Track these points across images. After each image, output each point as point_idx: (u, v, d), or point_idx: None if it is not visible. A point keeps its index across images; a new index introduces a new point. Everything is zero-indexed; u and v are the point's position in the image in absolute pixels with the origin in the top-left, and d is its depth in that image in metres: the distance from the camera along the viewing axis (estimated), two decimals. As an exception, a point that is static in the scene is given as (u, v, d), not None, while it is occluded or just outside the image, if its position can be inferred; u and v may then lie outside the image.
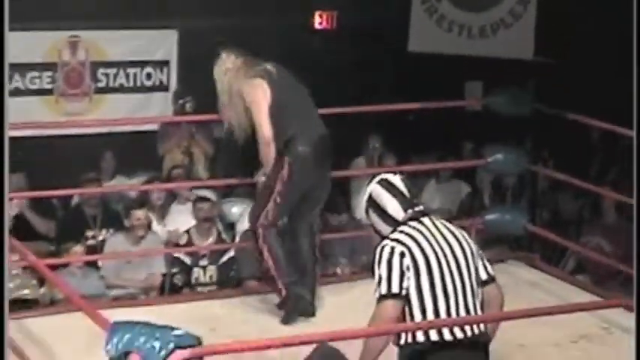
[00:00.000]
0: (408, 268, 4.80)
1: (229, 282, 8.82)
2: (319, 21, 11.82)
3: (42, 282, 8.52)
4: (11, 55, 10.79)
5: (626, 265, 8.25)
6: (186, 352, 4.23)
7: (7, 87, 3.37)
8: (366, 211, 5.15)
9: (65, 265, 8.77)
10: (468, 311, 4.86)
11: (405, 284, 4.79)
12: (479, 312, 4.93)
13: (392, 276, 4.80)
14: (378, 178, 5.15)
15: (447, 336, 4.79)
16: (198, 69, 10.89)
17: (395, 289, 4.79)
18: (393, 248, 4.84)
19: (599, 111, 7.95)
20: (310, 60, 11.08)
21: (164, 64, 11.43)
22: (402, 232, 4.91)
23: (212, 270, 8.86)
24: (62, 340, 6.51)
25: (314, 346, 5.35)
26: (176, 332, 4.31)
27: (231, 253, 8.93)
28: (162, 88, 11.38)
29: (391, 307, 4.81)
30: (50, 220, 9.89)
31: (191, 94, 10.68)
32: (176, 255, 8.98)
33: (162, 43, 11.42)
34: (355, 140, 10.52)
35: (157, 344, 4.21)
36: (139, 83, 11.38)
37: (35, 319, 7.14)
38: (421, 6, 12.07)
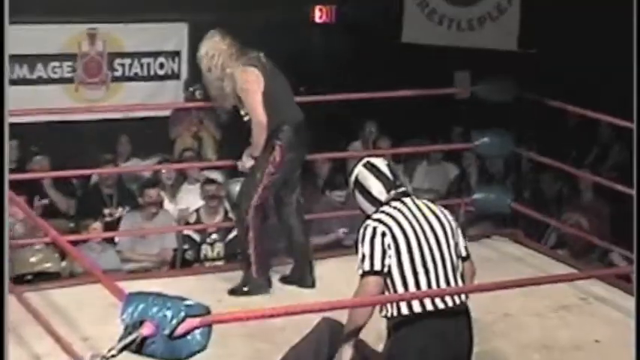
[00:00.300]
0: (389, 247, 4.79)
1: (235, 257, 8.81)
2: (319, 15, 11.81)
3: (63, 256, 8.52)
4: (34, 47, 10.88)
5: (602, 240, 8.27)
6: (196, 321, 4.23)
7: (7, 87, 3.28)
8: (353, 192, 5.14)
9: (84, 241, 8.77)
10: (448, 284, 4.86)
11: (386, 262, 4.79)
12: (460, 284, 4.93)
13: (374, 254, 4.79)
14: (363, 161, 5.13)
15: (429, 306, 4.79)
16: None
17: (377, 266, 4.79)
18: (375, 228, 4.82)
19: (579, 98, 7.94)
20: (311, 51, 11.07)
21: (175, 54, 11.42)
22: (383, 212, 4.89)
23: (219, 246, 8.86)
24: (82, 309, 6.54)
25: (315, 315, 5.34)
26: (186, 302, 4.31)
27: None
28: (174, 76, 11.38)
29: (373, 282, 4.81)
30: (70, 198, 9.88)
31: (200, 83, 10.65)
32: (186, 232, 8.98)
33: (173, 35, 11.40)
34: (352, 125, 10.52)
35: (168, 313, 4.21)
36: (152, 72, 11.37)
37: (57, 290, 7.16)
38: (413, 1, 12.05)
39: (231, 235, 8.84)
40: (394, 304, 4.83)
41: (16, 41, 10.68)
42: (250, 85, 6.65)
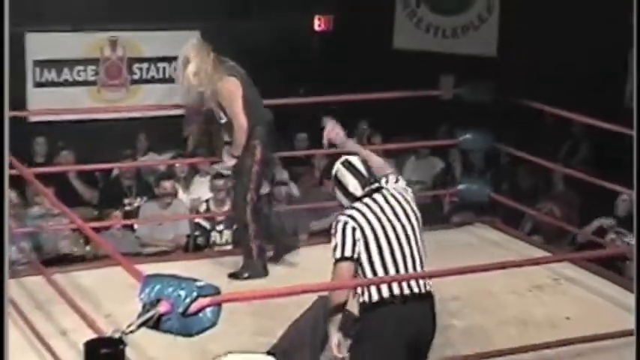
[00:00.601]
0: (358, 240, 4.81)
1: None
2: (318, 23, 11.80)
3: (87, 241, 8.52)
4: (61, 53, 10.85)
5: (572, 227, 8.28)
6: (207, 300, 4.23)
7: (7, 88, 3.24)
8: (332, 188, 5.15)
9: (107, 228, 8.78)
10: (415, 270, 4.86)
11: (356, 249, 4.81)
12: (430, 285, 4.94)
13: (345, 243, 4.81)
14: (341, 160, 5.13)
15: (396, 291, 4.80)
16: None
17: (348, 253, 4.81)
18: (346, 222, 4.84)
19: (554, 99, 7.95)
20: (311, 56, 11.06)
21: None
22: (355, 208, 4.91)
23: (227, 234, 8.85)
24: (104, 289, 6.54)
25: (313, 294, 5.36)
26: (198, 283, 4.31)
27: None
28: (187, 79, 11.36)
29: (346, 268, 4.83)
30: (93, 189, 9.89)
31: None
32: (197, 220, 8.99)
33: (186, 42, 11.37)
34: (347, 123, 10.50)
35: (182, 293, 4.21)
36: (167, 75, 11.36)
37: (82, 272, 7.16)
38: (403, 11, 12.06)
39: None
40: (366, 292, 4.84)
41: (45, 48, 10.72)
42: (233, 94, 6.76)
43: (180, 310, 4.18)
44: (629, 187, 7.70)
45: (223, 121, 6.88)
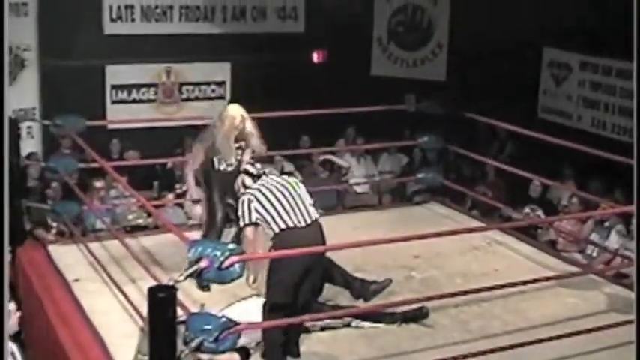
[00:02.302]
0: (256, 209, 4.94)
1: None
2: (316, 56, 11.73)
3: (149, 215, 8.54)
4: (131, 79, 10.85)
5: (500, 204, 8.29)
6: (236, 257, 4.26)
7: (7, 89, 2.81)
8: (242, 180, 5.26)
9: (163, 205, 8.79)
10: (305, 222, 4.93)
11: (257, 216, 4.92)
12: (315, 218, 4.99)
13: (249, 212, 4.94)
14: (246, 165, 5.39)
15: (291, 225, 4.90)
16: (241, 87, 10.89)
17: (251, 219, 4.93)
18: (249, 197, 4.98)
19: (487, 111, 7.97)
20: (311, 82, 11.07)
21: (222, 83, 11.39)
22: (254, 188, 5.06)
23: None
24: (161, 250, 6.56)
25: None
26: (230, 246, 4.35)
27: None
28: (221, 97, 11.34)
29: (250, 230, 4.96)
30: (155, 178, 9.88)
31: (237, 101, 10.69)
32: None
33: (220, 70, 11.37)
34: (338, 129, 10.52)
35: (218, 252, 4.24)
36: (206, 95, 11.35)
37: (146, 237, 7.19)
38: (378, 47, 12.06)
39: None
40: (271, 228, 4.91)
41: (119, 76, 10.72)
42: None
43: (217, 265, 4.20)
44: (539, 175, 7.76)
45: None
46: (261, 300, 5.01)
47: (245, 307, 5.10)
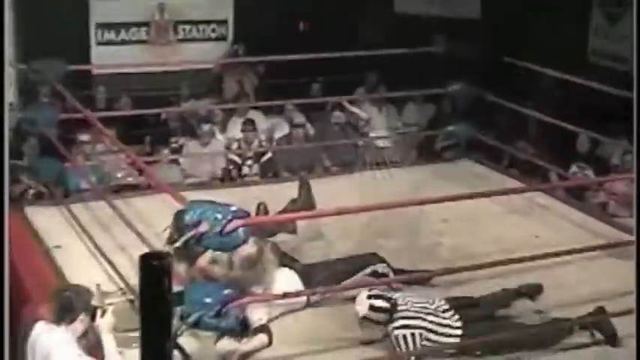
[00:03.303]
0: None
1: (267, 175, 8.85)
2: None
3: (141, 173, 8.53)
4: (119, 16, 10.84)
5: (542, 162, 8.26)
6: (240, 222, 4.27)
7: (7, 87, 3.05)
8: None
9: (156, 162, 8.80)
10: None
11: None
12: None
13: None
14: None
15: None
16: (246, 26, 10.85)
17: None
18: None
19: (528, 54, 7.91)
20: (326, 21, 10.98)
21: (224, 22, 11.33)
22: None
23: (255, 168, 8.84)
24: (154, 212, 6.53)
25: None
26: (232, 208, 4.34)
27: (269, 155, 8.93)
28: (223, 38, 11.30)
29: None
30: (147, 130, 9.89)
31: (242, 42, 10.70)
32: (230, 156, 8.98)
33: (222, 7, 11.31)
34: (357, 75, 10.46)
35: (219, 215, 4.24)
36: (206, 35, 11.31)
37: (137, 198, 7.21)
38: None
39: (264, 158, 8.84)
40: None
41: (105, 13, 10.68)
42: None
43: (218, 229, 4.21)
44: (589, 129, 7.72)
45: None
46: (288, 271, 5.09)
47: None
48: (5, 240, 3.02)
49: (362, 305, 4.85)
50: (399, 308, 4.90)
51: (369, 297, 4.87)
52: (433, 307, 4.97)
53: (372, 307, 4.84)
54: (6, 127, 3.05)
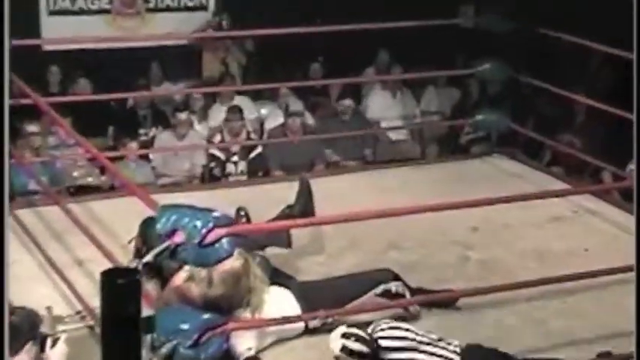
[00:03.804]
0: None
1: (257, 173, 8.85)
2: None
3: (103, 171, 8.54)
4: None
5: (592, 158, 8.25)
6: (223, 231, 4.25)
7: (7, 86, 3.22)
8: None
9: (122, 158, 8.80)
10: None
11: None
12: None
13: None
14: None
15: None
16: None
17: None
18: None
19: (574, 28, 7.89)
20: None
21: (204, -13, 11.34)
22: None
23: (242, 165, 8.86)
24: (119, 219, 6.57)
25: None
26: (215, 214, 4.33)
27: (259, 150, 8.93)
28: (202, 8, 11.28)
29: None
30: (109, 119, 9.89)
31: (227, 12, 10.65)
32: (212, 151, 8.98)
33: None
34: (366, 53, 10.46)
35: (198, 223, 4.23)
36: (182, 4, 11.29)
37: (97, 202, 7.22)
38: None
39: (253, 154, 8.85)
40: None
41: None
42: None
43: (197, 240, 4.19)
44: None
45: None
46: (281, 290, 5.08)
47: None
48: (5, 239, 3.15)
49: (335, 342, 4.76)
50: (384, 345, 4.83)
51: (344, 335, 4.76)
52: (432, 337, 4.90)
53: (344, 350, 4.75)
54: (6, 127, 3.18)
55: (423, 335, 4.83)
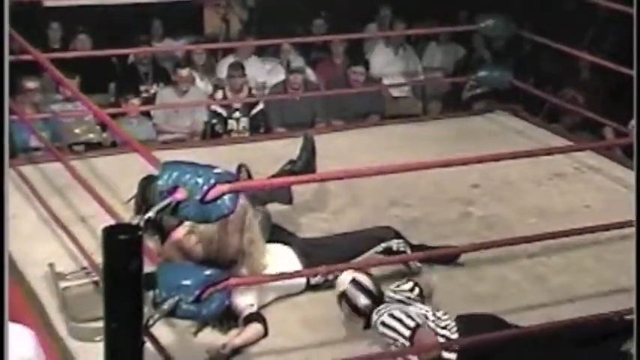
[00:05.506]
0: None
1: (259, 130, 8.86)
2: None
3: (104, 128, 8.53)
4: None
5: (595, 114, 8.25)
6: (225, 187, 4.24)
7: (7, 88, 3.20)
8: None
9: (123, 114, 8.80)
10: None
11: None
12: None
13: None
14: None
15: None
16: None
17: None
18: None
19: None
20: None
21: None
22: None
23: (244, 121, 8.86)
24: (121, 176, 6.58)
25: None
26: (216, 170, 4.30)
27: (261, 106, 8.94)
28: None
29: None
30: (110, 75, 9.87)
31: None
32: (214, 108, 8.98)
33: None
34: (368, 9, 10.43)
35: (200, 180, 4.21)
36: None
37: (99, 158, 7.23)
38: None
39: (254, 111, 8.85)
40: None
41: None
42: None
43: (198, 197, 4.19)
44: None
45: None
46: (283, 247, 5.12)
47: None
48: (5, 237, 3.17)
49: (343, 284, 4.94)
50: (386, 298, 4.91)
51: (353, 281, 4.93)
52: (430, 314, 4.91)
53: (353, 281, 4.91)
54: (6, 126, 3.19)
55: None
